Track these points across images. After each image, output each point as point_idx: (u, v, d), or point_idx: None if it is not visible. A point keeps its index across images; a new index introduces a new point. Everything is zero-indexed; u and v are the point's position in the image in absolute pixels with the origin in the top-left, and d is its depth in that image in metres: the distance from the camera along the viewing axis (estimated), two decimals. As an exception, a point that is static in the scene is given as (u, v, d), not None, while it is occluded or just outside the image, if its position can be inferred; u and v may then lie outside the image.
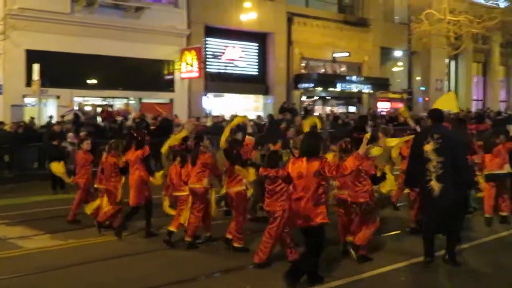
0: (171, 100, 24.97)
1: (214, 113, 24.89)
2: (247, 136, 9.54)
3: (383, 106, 33.58)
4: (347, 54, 30.54)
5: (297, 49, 28.88)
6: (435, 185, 7.02)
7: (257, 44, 28.40)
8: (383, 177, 7.87)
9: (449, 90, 38.15)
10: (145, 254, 8.48)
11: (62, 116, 19.21)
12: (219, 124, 21.57)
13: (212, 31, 26.02)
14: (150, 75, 24.03)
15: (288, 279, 6.43)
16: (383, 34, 32.52)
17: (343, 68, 32.19)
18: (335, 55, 30.69)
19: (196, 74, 24.41)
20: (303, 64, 29.97)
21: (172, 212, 9.01)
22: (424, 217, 7.58)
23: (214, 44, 26.53)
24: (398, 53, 34.18)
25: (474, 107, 38.49)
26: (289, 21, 28.52)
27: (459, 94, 38.80)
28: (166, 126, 19.89)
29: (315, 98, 31.20)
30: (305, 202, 6.42)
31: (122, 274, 7.48)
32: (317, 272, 6.71)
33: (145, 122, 20.17)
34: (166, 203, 9.21)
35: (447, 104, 9.12)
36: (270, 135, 8.39)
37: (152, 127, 19.58)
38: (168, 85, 24.79)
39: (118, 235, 9.27)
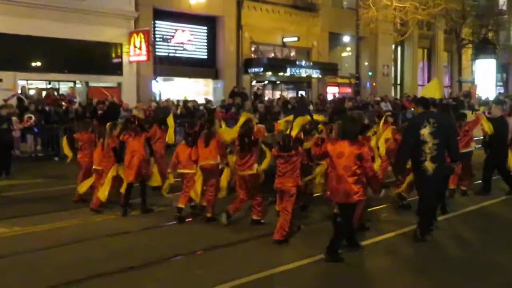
0: (119, 84, 24.51)
1: (164, 97, 24.65)
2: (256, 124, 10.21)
3: (332, 91, 34.04)
4: (296, 38, 30.70)
5: (246, 33, 28.82)
6: (429, 166, 7.75)
7: (206, 28, 28.18)
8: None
9: (395, 75, 39.05)
10: (95, 240, 8.38)
11: (5, 100, 18.59)
12: (169, 108, 21.42)
13: (161, 14, 25.64)
14: (97, 58, 23.48)
15: (329, 256, 7.09)
16: (331, 19, 32.82)
17: (293, 53, 32.39)
18: (284, 39, 30.82)
19: (144, 58, 24.00)
20: (253, 49, 29.96)
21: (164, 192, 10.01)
22: (420, 200, 8.25)
23: (163, 27, 26.16)
24: (346, 38, 34.60)
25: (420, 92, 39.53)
26: (239, 4, 28.39)
27: (405, 80, 39.83)
28: (114, 111, 19.61)
29: (265, 82, 31.30)
30: (345, 181, 6.98)
31: (64, 260, 7.37)
32: (355, 238, 7.56)
33: (93, 107, 19.85)
34: (169, 181, 9.88)
35: (431, 91, 9.69)
36: (299, 114, 9.49)
37: (99, 112, 19.29)
38: (116, 69, 24.30)
39: (124, 214, 9.80)
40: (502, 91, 43.52)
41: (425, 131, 7.78)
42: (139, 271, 6.85)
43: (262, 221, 8.97)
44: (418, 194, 8.41)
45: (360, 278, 6.76)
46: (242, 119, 9.31)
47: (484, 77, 37.88)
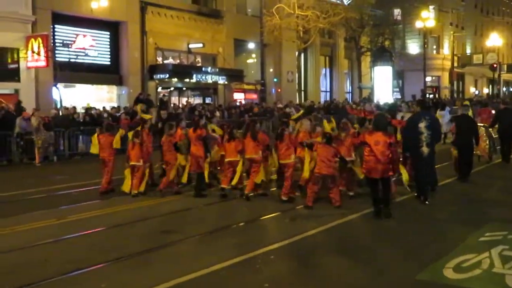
0: (17, 91, 23.34)
1: (65, 104, 23.72)
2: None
3: (238, 97, 34.31)
4: (201, 45, 30.72)
5: (151, 39, 28.44)
6: (425, 150, 10.54)
7: (109, 33, 27.52)
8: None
9: (299, 81, 40.01)
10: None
11: None
12: (70, 116, 20.67)
13: (61, 18, 24.74)
14: (-9, 63, 22.27)
15: (382, 214, 9.46)
16: (236, 26, 33.15)
17: (198, 59, 32.35)
18: (190, 46, 30.72)
19: (43, 63, 23.01)
20: (158, 56, 29.60)
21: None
22: (418, 174, 10.89)
23: (63, 32, 25.24)
24: (251, 45, 35.07)
25: (323, 98, 40.77)
26: (142, 10, 27.99)
27: (308, 86, 40.93)
28: (11, 119, 18.69)
29: (171, 89, 31.01)
30: (383, 162, 9.26)
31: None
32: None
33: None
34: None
35: None
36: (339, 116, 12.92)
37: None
38: (13, 75, 23.11)
39: (199, 195, 11.60)
40: (398, 96, 45.82)
41: (422, 125, 10.53)
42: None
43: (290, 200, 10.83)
44: (416, 171, 10.99)
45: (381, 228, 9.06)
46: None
47: (382, 83, 39.66)
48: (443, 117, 20.18)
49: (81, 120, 20.66)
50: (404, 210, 10.19)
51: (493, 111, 18.22)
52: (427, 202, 10.53)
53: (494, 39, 55.78)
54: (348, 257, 7.40)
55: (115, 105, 25.79)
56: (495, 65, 50.74)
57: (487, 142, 16.02)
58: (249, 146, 11.22)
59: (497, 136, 16.69)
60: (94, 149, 12.67)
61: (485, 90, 64.91)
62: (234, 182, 11.51)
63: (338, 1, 38.43)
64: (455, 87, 55.31)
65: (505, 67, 58.60)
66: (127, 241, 8.44)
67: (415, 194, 10.99)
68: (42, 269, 7.13)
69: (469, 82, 61.90)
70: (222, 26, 32.61)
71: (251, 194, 11.30)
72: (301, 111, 15.16)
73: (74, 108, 22.08)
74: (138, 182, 11.83)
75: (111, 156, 12.34)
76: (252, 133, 11.30)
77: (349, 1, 39.86)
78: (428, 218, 9.63)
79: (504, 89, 68.66)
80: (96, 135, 12.69)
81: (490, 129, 16.41)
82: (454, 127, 13.96)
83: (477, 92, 60.65)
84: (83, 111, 22.33)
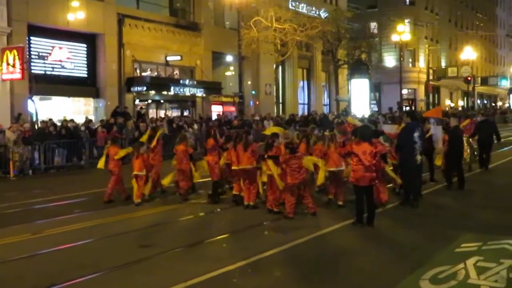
0: (-9, 104, 23.03)
1: (41, 117, 23.43)
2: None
3: (216, 110, 34.30)
4: (179, 57, 30.68)
5: (128, 52, 28.32)
6: (418, 158, 11.24)
7: (85, 45, 27.32)
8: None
9: (277, 94, 40.11)
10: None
11: None
12: (46, 129, 20.42)
13: (37, 30, 24.52)
14: (-35, 75, 21.91)
15: (370, 223, 9.68)
16: (214, 39, 33.22)
17: (176, 72, 32.30)
18: (167, 58, 30.68)
19: (18, 76, 22.69)
20: (136, 67, 29.48)
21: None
22: (409, 182, 11.39)
23: (39, 44, 25.01)
24: (229, 58, 35.15)
25: (301, 111, 40.97)
26: (120, 22, 27.89)
27: (286, 99, 41.10)
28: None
29: (149, 101, 30.88)
30: (370, 171, 9.58)
31: None
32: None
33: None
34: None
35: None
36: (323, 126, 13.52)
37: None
38: (-13, 87, 22.79)
39: (212, 202, 12.22)
40: (376, 109, 46.26)
41: (416, 135, 11.24)
42: None
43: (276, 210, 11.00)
44: (406, 179, 11.51)
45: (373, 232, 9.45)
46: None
47: (359, 96, 39.99)
48: None
49: (57, 133, 20.43)
50: (388, 218, 10.36)
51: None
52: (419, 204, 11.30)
53: (468, 53, 56.83)
54: (328, 269, 7.43)
55: (93, 117, 25.59)
56: (469, 78, 51.65)
57: (468, 152, 16.66)
58: (244, 157, 11.58)
59: (476, 147, 17.44)
60: (100, 164, 13.03)
61: (460, 103, 65.96)
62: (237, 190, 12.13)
63: (315, 15, 38.81)
64: (430, 100, 56.08)
65: (479, 80, 59.83)
66: (103, 255, 8.35)
67: (400, 202, 11.54)
68: (17, 285, 7.03)
69: (444, 95, 62.85)
70: (200, 38, 32.66)
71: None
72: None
73: (50, 120, 21.85)
74: (139, 191, 12.27)
75: (117, 168, 12.61)
76: (244, 144, 11.63)
77: (326, 15, 40.30)
78: (410, 227, 9.86)
79: (479, 101, 69.90)
80: (106, 150, 13.17)
81: (471, 139, 17.01)
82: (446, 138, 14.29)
83: (452, 105, 61.59)
84: (59, 123, 22.07)
